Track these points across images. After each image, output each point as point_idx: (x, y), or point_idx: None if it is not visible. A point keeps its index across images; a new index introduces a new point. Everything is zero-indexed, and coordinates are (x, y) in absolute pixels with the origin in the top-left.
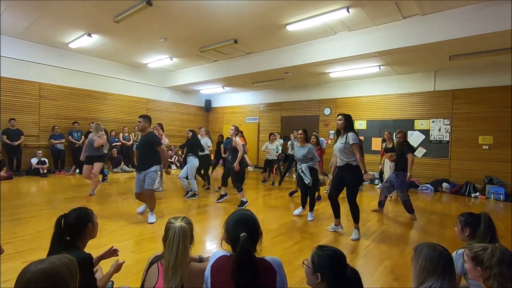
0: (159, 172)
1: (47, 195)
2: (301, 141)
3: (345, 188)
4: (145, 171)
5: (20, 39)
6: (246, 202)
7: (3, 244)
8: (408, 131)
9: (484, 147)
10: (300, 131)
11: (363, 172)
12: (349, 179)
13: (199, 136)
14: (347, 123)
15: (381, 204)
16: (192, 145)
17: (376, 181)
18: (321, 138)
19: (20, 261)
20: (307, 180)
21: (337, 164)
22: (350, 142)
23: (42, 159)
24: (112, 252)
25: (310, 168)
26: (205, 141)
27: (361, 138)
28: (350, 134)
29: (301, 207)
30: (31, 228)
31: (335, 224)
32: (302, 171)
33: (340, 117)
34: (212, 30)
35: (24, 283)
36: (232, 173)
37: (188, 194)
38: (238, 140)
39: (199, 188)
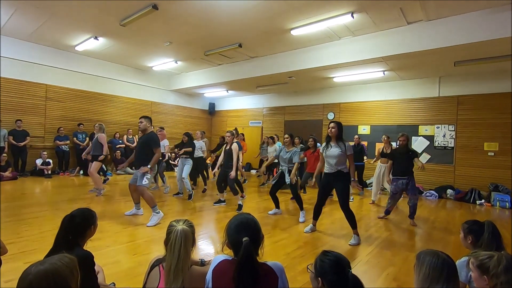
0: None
1: (51, 196)
2: (288, 144)
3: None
4: (139, 169)
5: (28, 42)
6: (242, 205)
7: (6, 245)
8: (412, 137)
9: (489, 153)
10: (286, 135)
11: (352, 179)
12: (341, 187)
13: (194, 140)
14: (340, 131)
15: (388, 212)
16: (187, 148)
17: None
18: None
19: (22, 262)
20: (287, 180)
21: (326, 171)
22: (348, 153)
23: (47, 160)
24: None
25: (290, 173)
26: (200, 145)
27: (365, 143)
28: (348, 144)
29: (275, 208)
30: (34, 229)
31: (313, 224)
32: (283, 172)
33: (333, 124)
34: (216, 34)
35: (26, 285)
36: (229, 177)
37: (179, 195)
38: (235, 147)
39: (199, 191)
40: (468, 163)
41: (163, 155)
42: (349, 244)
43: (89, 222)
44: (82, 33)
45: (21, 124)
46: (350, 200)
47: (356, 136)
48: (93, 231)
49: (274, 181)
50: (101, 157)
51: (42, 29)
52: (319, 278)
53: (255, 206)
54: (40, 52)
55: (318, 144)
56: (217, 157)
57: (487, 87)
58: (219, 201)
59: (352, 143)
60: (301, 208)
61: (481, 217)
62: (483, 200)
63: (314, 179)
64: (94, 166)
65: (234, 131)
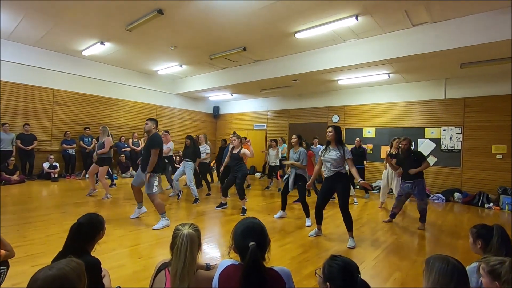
0: (156, 176)
1: (58, 199)
2: (295, 145)
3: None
4: (145, 172)
5: (35, 47)
6: (246, 209)
7: (14, 248)
8: (418, 139)
9: (497, 156)
10: (293, 136)
11: (359, 180)
12: (341, 187)
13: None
14: (337, 135)
15: (393, 215)
16: (190, 152)
17: (377, 190)
18: (319, 146)
19: (29, 265)
20: (290, 185)
21: (325, 175)
22: (347, 157)
23: (54, 163)
24: None
25: (299, 176)
26: (204, 148)
27: (370, 146)
28: (347, 149)
29: (281, 210)
30: (41, 232)
31: (317, 229)
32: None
33: (330, 129)
34: (221, 38)
35: None
36: (237, 180)
37: (179, 198)
38: (245, 151)
39: (203, 195)
40: (475, 166)
41: (169, 158)
42: (348, 247)
43: (97, 229)
44: (88, 38)
45: (28, 128)
46: (354, 203)
47: (357, 139)
48: (101, 236)
49: (287, 181)
50: (94, 158)
51: (49, 35)
52: (328, 283)
53: (260, 209)
54: (48, 57)
55: (318, 146)
56: (218, 159)
57: (494, 88)
58: (221, 205)
59: (352, 146)
60: (307, 215)
61: (489, 221)
62: (491, 204)
63: (310, 182)
64: (101, 171)
65: (238, 135)
